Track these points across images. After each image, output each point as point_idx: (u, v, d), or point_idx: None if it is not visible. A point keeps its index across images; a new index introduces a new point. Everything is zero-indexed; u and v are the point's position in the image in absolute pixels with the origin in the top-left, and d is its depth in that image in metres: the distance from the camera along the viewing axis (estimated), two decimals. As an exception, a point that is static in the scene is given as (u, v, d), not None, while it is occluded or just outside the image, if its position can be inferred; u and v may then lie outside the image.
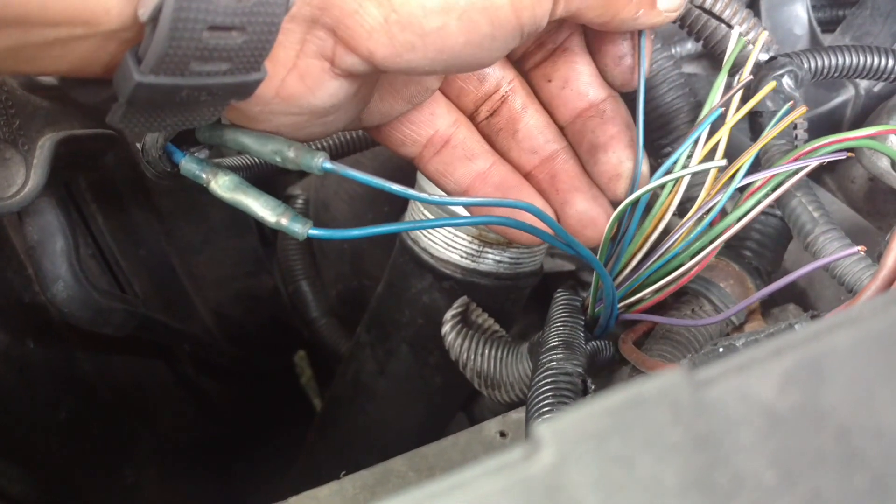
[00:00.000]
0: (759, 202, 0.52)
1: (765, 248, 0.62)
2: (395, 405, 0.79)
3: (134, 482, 0.85)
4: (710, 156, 0.54)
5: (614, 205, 0.55)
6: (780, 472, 0.20)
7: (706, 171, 0.53)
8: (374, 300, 0.78)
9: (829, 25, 0.79)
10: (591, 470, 0.20)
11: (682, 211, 0.56)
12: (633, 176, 0.55)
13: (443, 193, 0.61)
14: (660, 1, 0.50)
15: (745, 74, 0.55)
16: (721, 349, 0.45)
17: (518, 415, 0.63)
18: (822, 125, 0.73)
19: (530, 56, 0.57)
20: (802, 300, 0.69)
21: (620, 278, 0.56)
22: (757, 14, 0.75)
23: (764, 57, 0.61)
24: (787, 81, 0.59)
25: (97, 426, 0.79)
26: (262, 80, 0.40)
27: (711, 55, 0.62)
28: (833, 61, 0.60)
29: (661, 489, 0.20)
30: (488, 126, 0.57)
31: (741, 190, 0.53)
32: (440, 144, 0.55)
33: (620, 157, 0.55)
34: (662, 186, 0.54)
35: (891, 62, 0.60)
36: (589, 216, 0.55)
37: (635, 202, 0.52)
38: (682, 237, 0.53)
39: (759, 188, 0.52)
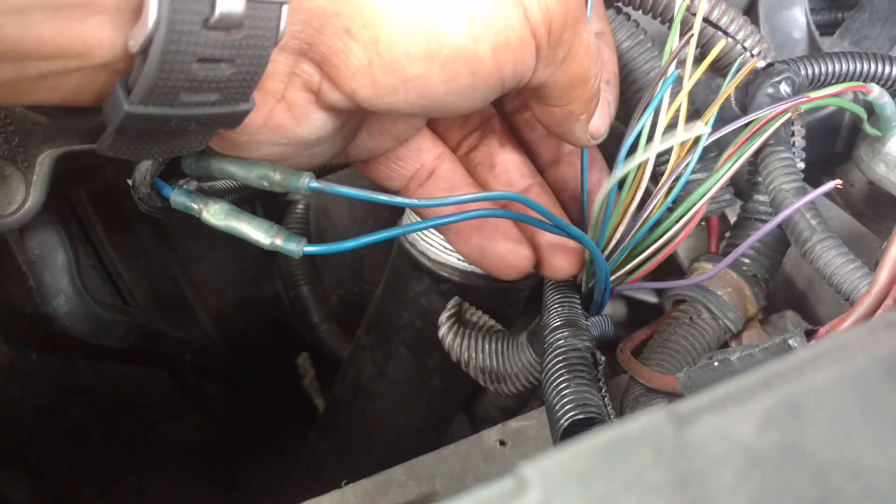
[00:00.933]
0: (737, 160, 0.53)
1: (762, 255, 0.62)
2: (395, 407, 0.80)
3: (137, 489, 0.85)
4: (674, 123, 0.55)
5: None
6: (760, 511, 0.20)
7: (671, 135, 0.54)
8: (373, 303, 0.78)
9: (827, 28, 0.79)
10: (574, 510, 0.20)
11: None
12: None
13: None
14: (592, 122, 0.52)
15: (695, 32, 0.56)
16: (716, 363, 0.45)
17: (518, 423, 0.63)
18: (820, 129, 0.73)
19: (510, 101, 0.59)
20: (802, 304, 0.70)
21: (608, 251, 0.56)
22: (755, 19, 0.75)
23: (761, 64, 0.61)
24: (784, 88, 0.59)
25: (100, 434, 0.79)
26: (251, 110, 0.40)
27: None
28: (830, 68, 0.60)
29: (643, 530, 0.20)
30: (468, 160, 0.59)
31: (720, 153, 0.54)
32: (425, 177, 0.56)
33: (602, 202, 0.57)
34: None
35: (888, 69, 0.61)
36: (559, 244, 0.58)
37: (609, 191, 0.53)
38: (660, 202, 0.53)
39: (736, 150, 0.53)
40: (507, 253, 0.57)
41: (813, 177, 0.74)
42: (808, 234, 0.54)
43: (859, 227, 0.69)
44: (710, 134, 0.53)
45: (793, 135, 0.60)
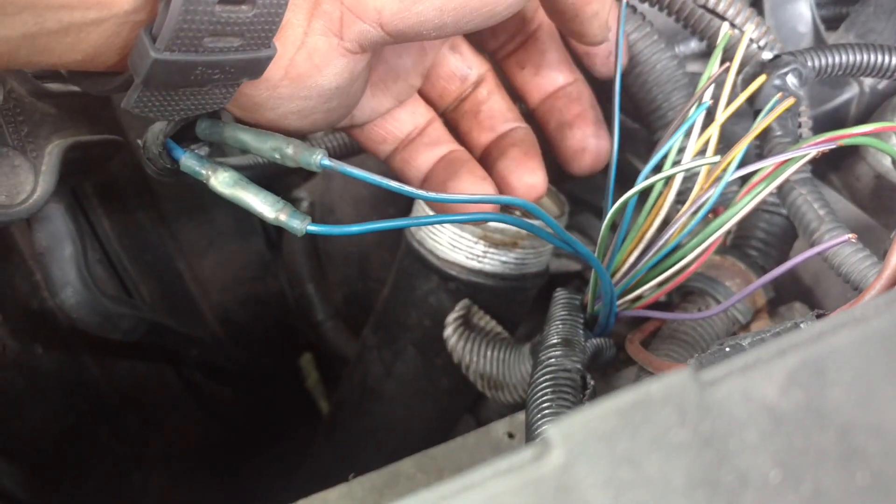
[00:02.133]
0: (756, 195, 0.52)
1: (770, 246, 0.63)
2: (402, 407, 0.79)
3: (142, 486, 0.85)
4: (703, 149, 0.55)
5: (582, 179, 0.60)
6: (783, 470, 0.20)
7: (700, 165, 0.53)
8: (380, 302, 0.78)
9: (832, 23, 0.79)
10: (599, 470, 0.20)
11: (682, 201, 0.57)
12: (598, 152, 0.60)
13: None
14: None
15: (735, 63, 0.55)
16: (727, 348, 0.45)
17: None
18: (827, 123, 0.73)
19: (503, 47, 0.60)
20: (809, 298, 0.69)
21: (619, 275, 0.56)
22: (760, 12, 0.75)
23: (768, 56, 0.61)
24: (791, 80, 0.59)
25: (105, 431, 0.79)
26: (272, 56, 0.41)
27: (716, 54, 0.63)
28: (837, 59, 0.60)
29: (668, 488, 0.20)
30: (455, 112, 0.60)
31: (744, 181, 0.54)
32: (414, 138, 0.58)
33: (585, 133, 0.60)
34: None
35: (895, 60, 0.61)
36: (522, 168, 0.57)
37: (626, 203, 0.52)
38: (677, 232, 0.53)
39: (759, 183, 0.52)
40: (469, 187, 0.56)
41: (819, 169, 0.74)
42: (817, 224, 0.54)
43: (866, 219, 0.69)
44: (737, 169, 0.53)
45: (800, 126, 0.60)
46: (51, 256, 0.58)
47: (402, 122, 0.57)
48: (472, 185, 0.56)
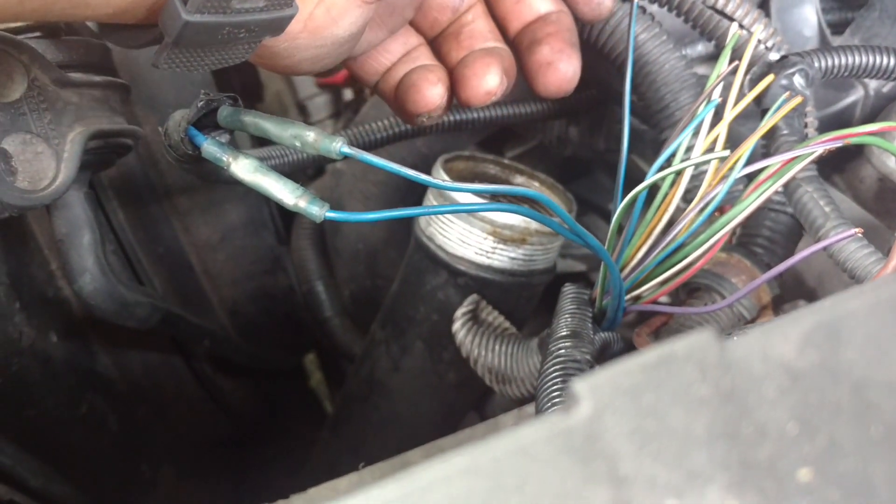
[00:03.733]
0: (763, 193, 0.53)
1: (776, 244, 0.63)
2: (410, 401, 0.80)
3: (150, 478, 0.86)
4: (711, 148, 0.56)
5: (550, 100, 0.59)
6: (800, 423, 0.21)
7: (709, 162, 0.54)
8: (389, 297, 0.79)
9: (838, 27, 0.80)
10: (625, 421, 0.21)
11: (689, 199, 0.57)
12: (566, 70, 0.58)
13: (448, 180, 0.63)
14: None
15: (744, 63, 0.56)
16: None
17: (533, 408, 0.63)
18: (832, 125, 0.74)
19: None
20: (813, 298, 0.70)
21: (627, 270, 0.57)
22: (767, 16, 0.76)
23: (776, 56, 0.62)
24: (797, 80, 0.60)
25: (116, 421, 0.80)
26: (294, 14, 0.43)
27: (723, 56, 0.64)
28: (843, 61, 0.61)
29: (690, 439, 0.21)
30: (440, 36, 0.61)
31: (750, 179, 0.55)
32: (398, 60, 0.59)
33: (554, 48, 0.58)
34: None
35: (900, 62, 0.62)
36: (479, 63, 0.57)
37: (635, 198, 0.53)
38: (685, 228, 0.54)
39: (765, 181, 0.53)
40: (419, 80, 0.56)
41: (823, 171, 0.75)
42: (822, 220, 0.55)
43: (871, 219, 0.70)
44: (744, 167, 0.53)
45: (806, 125, 0.61)
46: (70, 243, 0.59)
47: (392, 52, 0.59)
48: (426, 85, 0.56)
